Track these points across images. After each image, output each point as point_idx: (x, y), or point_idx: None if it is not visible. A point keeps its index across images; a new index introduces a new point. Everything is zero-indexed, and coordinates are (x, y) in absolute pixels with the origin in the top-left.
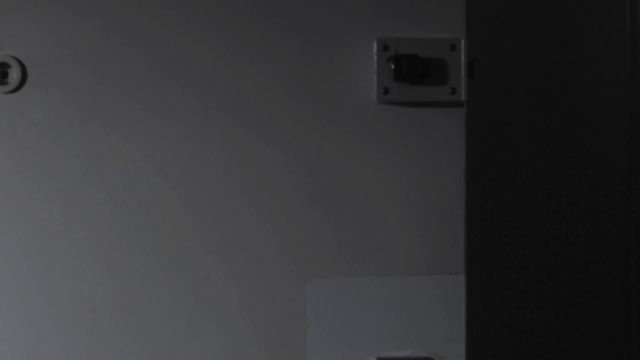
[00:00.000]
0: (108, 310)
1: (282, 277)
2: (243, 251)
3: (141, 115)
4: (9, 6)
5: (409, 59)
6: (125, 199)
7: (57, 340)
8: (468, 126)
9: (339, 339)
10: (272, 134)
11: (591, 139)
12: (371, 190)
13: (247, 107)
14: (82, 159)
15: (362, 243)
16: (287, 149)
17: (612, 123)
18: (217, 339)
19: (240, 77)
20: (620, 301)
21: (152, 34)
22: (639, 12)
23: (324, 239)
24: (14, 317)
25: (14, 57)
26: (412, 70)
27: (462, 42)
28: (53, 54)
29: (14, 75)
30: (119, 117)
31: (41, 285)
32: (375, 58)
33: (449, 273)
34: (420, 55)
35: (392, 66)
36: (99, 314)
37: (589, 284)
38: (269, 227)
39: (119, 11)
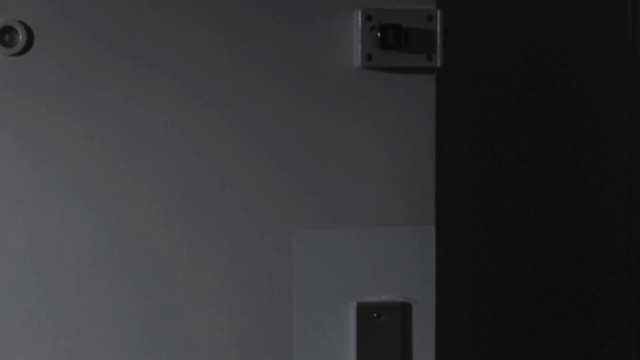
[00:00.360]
0: (108, 261)
1: (270, 229)
2: (234, 206)
3: (143, 80)
4: None
5: (394, 28)
6: (127, 159)
7: (60, 291)
8: (441, 90)
9: (322, 286)
10: (262, 97)
11: (561, 105)
12: (352, 149)
13: (235, 73)
14: (86, 123)
15: (344, 198)
16: (276, 111)
17: (584, 90)
18: (211, 285)
19: (229, 44)
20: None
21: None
22: None
23: (309, 194)
24: (18, 271)
25: (20, 21)
26: (396, 39)
27: (438, 13)
28: (59, 18)
29: (20, 38)
30: (123, 83)
31: (45, 239)
32: (359, 26)
33: (421, 224)
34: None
35: (378, 34)
36: (99, 266)
37: (553, 236)
38: (258, 183)
39: None
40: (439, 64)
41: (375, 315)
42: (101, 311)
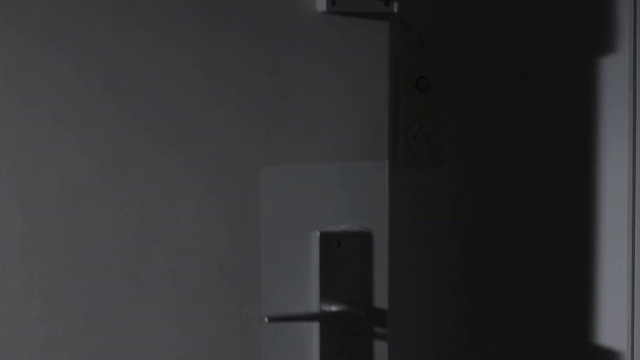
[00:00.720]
0: (94, 191)
1: (240, 164)
2: (208, 143)
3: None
4: None
5: None
6: (114, 96)
7: (48, 221)
8: (396, 34)
9: (287, 217)
10: (230, 39)
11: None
12: (314, 89)
13: (206, 18)
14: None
15: (307, 136)
16: (244, 52)
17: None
18: (186, 216)
19: None
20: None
21: None
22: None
23: (275, 133)
24: (10, 205)
25: None
26: None
27: None
28: None
29: None
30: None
31: (35, 173)
32: None
33: (375, 159)
34: None
35: None
36: (86, 200)
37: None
38: (229, 123)
39: None
40: (395, 10)
41: (336, 243)
42: (83, 239)
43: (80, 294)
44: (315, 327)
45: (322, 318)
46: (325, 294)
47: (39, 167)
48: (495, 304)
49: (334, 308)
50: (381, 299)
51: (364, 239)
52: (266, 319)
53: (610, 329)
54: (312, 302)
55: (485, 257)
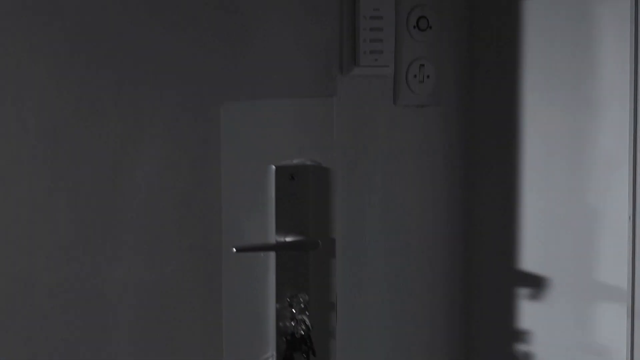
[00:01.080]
0: (69, 133)
1: (201, 101)
2: (170, 81)
3: None
4: None
5: None
6: (87, 38)
7: (26, 157)
8: None
9: (246, 152)
10: None
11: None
12: (268, 29)
13: None
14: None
15: (263, 73)
16: None
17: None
18: (153, 148)
19: None
20: None
21: None
22: None
23: (234, 69)
24: None
25: None
26: None
27: None
28: None
29: None
30: None
31: (13, 113)
32: None
33: (326, 96)
34: None
35: None
36: (61, 138)
37: None
38: (191, 60)
39: None
40: None
41: (290, 177)
42: (58, 174)
43: (56, 226)
44: (272, 256)
45: (278, 247)
46: (281, 225)
47: (17, 108)
48: (489, 240)
49: (289, 238)
50: (332, 229)
51: (315, 172)
52: (234, 249)
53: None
54: (269, 233)
55: (482, 197)
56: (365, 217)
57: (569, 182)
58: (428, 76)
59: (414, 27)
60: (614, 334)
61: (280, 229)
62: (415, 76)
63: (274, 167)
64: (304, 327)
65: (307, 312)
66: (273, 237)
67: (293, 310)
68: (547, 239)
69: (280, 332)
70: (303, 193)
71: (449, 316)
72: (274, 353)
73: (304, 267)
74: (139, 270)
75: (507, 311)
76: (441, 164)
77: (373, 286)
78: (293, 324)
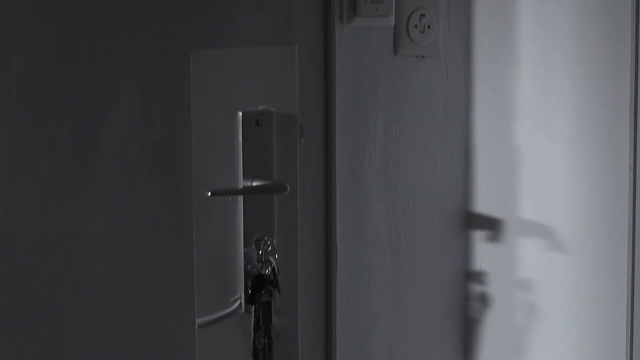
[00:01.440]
0: (48, 84)
1: (170, 49)
2: (141, 30)
3: None
4: None
5: None
6: None
7: (7, 107)
8: None
9: (215, 99)
10: None
11: None
12: None
13: None
14: None
15: (232, 20)
16: None
17: None
18: (126, 100)
19: None
20: None
21: None
22: None
23: (201, 16)
24: None
25: None
26: None
27: None
28: None
29: None
30: None
31: None
32: None
33: (286, 44)
34: None
35: None
36: (39, 95)
37: None
38: (162, 8)
39: None
40: None
41: (255, 123)
42: (39, 125)
43: (36, 175)
44: (239, 201)
45: (250, 191)
46: (248, 171)
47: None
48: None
49: (255, 183)
50: (296, 174)
51: (279, 119)
52: (209, 193)
53: None
54: (237, 178)
55: (480, 145)
56: (365, 168)
57: None
58: (429, 26)
59: None
60: (537, 268)
61: (247, 174)
62: (416, 26)
63: (240, 113)
64: (270, 268)
65: (275, 255)
66: (240, 182)
67: (260, 252)
68: None
69: (247, 273)
70: (268, 139)
71: (447, 265)
72: (242, 294)
73: (270, 211)
74: (114, 216)
75: None
76: (441, 115)
77: (373, 239)
78: (260, 266)
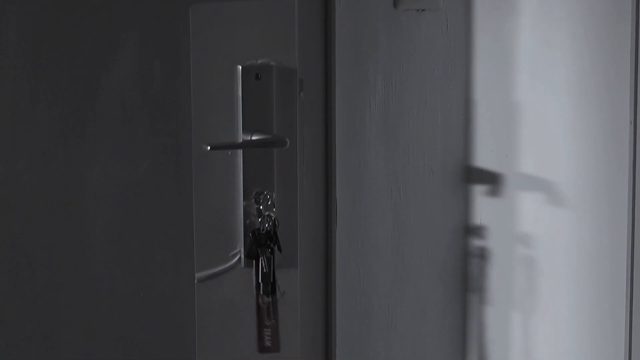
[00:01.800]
0: (51, 40)
1: (169, 1)
2: None
3: None
4: None
5: None
6: None
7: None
8: None
9: (215, 53)
10: None
11: None
12: None
13: None
14: None
15: None
16: None
17: None
18: (126, 54)
19: None
20: None
21: None
22: None
23: None
24: None
25: None
26: None
27: None
28: None
29: None
30: None
31: None
32: None
33: None
34: None
35: None
36: (39, 52)
37: None
38: None
39: None
40: None
41: (255, 76)
42: (41, 79)
43: (36, 130)
44: (239, 155)
45: (250, 145)
46: (247, 125)
47: None
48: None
49: (255, 137)
50: (295, 128)
51: (279, 72)
52: (208, 147)
53: None
54: (237, 132)
55: (480, 99)
56: (365, 122)
57: None
58: None
59: None
60: (537, 222)
61: (247, 128)
62: None
63: (239, 66)
64: (270, 223)
65: (273, 209)
66: (240, 136)
67: (261, 207)
68: None
69: (247, 228)
70: (267, 92)
71: (447, 219)
72: (241, 249)
73: (270, 165)
74: (114, 170)
75: None
76: (441, 68)
77: (373, 193)
78: (260, 220)
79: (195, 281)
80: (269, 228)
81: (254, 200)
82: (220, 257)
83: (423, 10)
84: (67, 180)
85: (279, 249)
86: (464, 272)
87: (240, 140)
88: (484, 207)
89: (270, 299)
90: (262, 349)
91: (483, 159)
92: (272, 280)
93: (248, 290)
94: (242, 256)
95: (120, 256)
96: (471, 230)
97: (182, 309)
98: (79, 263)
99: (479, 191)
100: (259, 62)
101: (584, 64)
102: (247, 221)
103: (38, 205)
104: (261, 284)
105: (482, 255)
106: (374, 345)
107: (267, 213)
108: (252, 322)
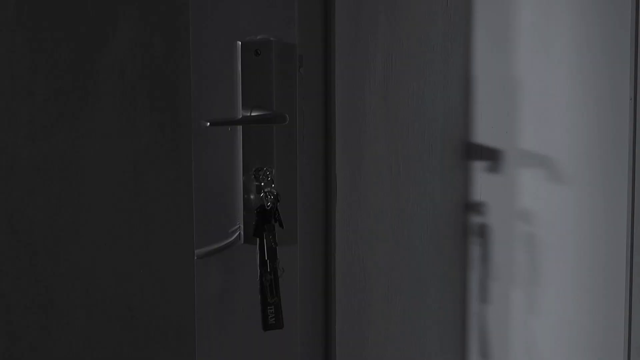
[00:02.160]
0: (49, 21)
1: None
2: None
3: None
4: None
5: None
6: None
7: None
8: None
9: (214, 28)
10: None
11: None
12: None
13: None
14: None
15: None
16: None
17: None
18: (125, 29)
19: None
20: None
21: None
22: None
23: None
24: None
25: None
26: None
27: None
28: None
29: None
30: None
31: None
32: None
33: None
34: None
35: None
36: (38, 25)
37: None
38: None
39: None
40: None
41: (255, 52)
42: (39, 61)
43: (36, 103)
44: (238, 131)
45: (250, 121)
46: (247, 101)
47: None
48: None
49: (254, 113)
50: (294, 104)
51: (279, 48)
52: (207, 124)
53: None
54: (237, 108)
55: (480, 74)
56: (364, 98)
57: None
58: None
59: None
60: (537, 198)
61: (246, 104)
62: None
63: (239, 42)
64: (271, 198)
65: (272, 185)
66: (239, 112)
67: (262, 183)
68: None
69: (247, 204)
70: (267, 69)
71: (447, 196)
72: (241, 225)
73: (269, 141)
74: (113, 145)
75: None
76: (441, 44)
77: (373, 169)
78: (260, 195)
79: (195, 258)
80: (271, 204)
81: (253, 176)
82: (220, 233)
83: None
84: (65, 154)
85: (281, 225)
86: (464, 247)
87: (240, 116)
88: (484, 184)
89: (272, 276)
90: (267, 326)
91: (483, 135)
92: (276, 259)
93: (248, 267)
94: (242, 232)
95: (119, 232)
96: (471, 207)
97: (182, 286)
98: (76, 239)
99: (479, 167)
100: (258, 37)
101: (584, 40)
102: (246, 197)
103: (36, 178)
104: (268, 261)
105: (482, 230)
106: (373, 320)
107: (267, 189)
108: (252, 300)
